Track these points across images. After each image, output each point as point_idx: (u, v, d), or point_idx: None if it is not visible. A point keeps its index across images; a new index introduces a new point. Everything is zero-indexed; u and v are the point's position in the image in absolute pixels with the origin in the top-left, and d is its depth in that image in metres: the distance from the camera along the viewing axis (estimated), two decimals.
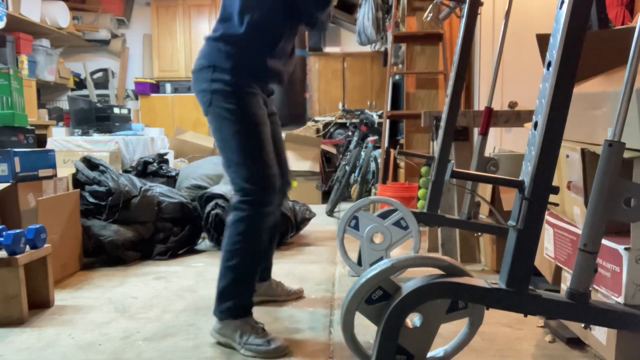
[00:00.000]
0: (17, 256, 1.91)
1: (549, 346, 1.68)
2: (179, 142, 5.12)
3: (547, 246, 1.83)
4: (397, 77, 4.78)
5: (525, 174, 1.18)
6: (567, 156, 1.58)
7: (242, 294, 1.71)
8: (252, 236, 1.68)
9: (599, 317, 1.20)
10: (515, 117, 2.72)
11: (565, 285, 1.71)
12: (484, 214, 2.63)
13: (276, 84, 1.87)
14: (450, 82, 2.35)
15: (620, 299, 1.33)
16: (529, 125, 1.34)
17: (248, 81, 1.70)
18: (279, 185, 1.75)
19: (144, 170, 3.72)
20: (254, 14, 1.68)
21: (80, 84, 6.52)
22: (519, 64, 3.51)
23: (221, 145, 1.73)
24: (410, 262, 1.29)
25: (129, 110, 4.98)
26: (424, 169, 2.83)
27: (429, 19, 2.83)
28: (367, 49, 5.47)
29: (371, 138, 4.64)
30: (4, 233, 1.93)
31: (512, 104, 3.61)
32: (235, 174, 1.69)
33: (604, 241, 1.39)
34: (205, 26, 6.50)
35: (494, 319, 1.90)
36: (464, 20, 2.29)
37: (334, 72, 6.24)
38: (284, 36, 1.76)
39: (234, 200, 1.71)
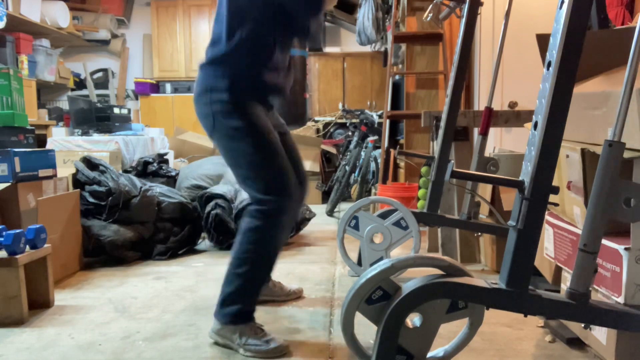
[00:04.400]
0: (17, 256, 1.91)
1: (549, 346, 1.68)
2: (179, 142, 5.12)
3: (547, 246, 1.83)
4: (397, 77, 4.78)
5: (525, 174, 1.18)
6: (567, 156, 1.58)
7: (247, 301, 1.70)
8: (265, 246, 1.67)
9: (599, 317, 1.20)
10: (515, 117, 2.72)
11: (565, 285, 1.71)
12: (484, 214, 2.63)
13: (277, 98, 1.84)
14: (450, 82, 2.36)
15: (620, 299, 1.33)
16: (529, 125, 1.34)
17: (247, 97, 1.68)
18: (296, 193, 1.70)
19: (144, 170, 3.72)
20: (243, 31, 1.66)
21: (80, 84, 6.52)
22: (519, 64, 3.51)
23: (233, 163, 1.70)
24: (410, 262, 1.29)
25: (129, 110, 4.98)
26: (424, 169, 2.83)
27: (429, 19, 2.84)
28: (367, 49, 5.48)
29: (371, 138, 4.64)
30: (4, 233, 1.93)
31: (512, 104, 3.61)
32: (251, 187, 1.67)
33: (604, 241, 1.39)
34: (205, 26, 6.50)
35: (494, 319, 1.90)
36: (464, 20, 2.29)
37: (334, 72, 6.24)
38: (277, 49, 1.74)
39: (250, 208, 1.68)
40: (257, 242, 1.66)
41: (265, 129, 1.68)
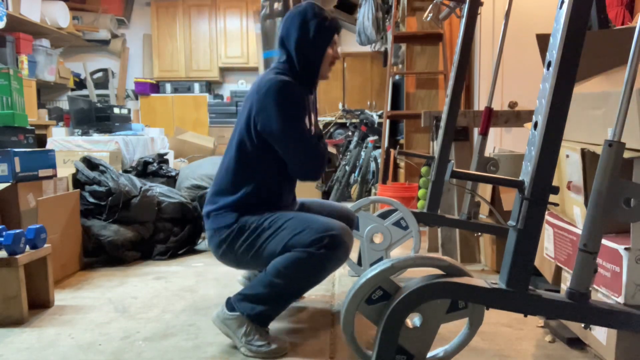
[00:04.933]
0: (17, 256, 1.91)
1: (549, 346, 1.68)
2: (179, 142, 5.12)
3: (547, 246, 1.83)
4: (397, 77, 4.78)
5: (525, 174, 1.18)
6: (567, 156, 1.58)
7: (274, 307, 1.68)
8: (311, 274, 1.63)
9: (599, 317, 1.20)
10: (515, 117, 2.72)
11: (565, 285, 1.71)
12: (484, 214, 2.63)
13: None
14: (450, 82, 2.36)
15: (620, 299, 1.33)
16: (529, 125, 1.34)
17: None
18: (343, 225, 1.66)
19: (144, 170, 3.72)
20: (249, 184, 1.71)
21: (80, 84, 6.52)
22: (519, 64, 3.51)
23: (273, 252, 1.65)
24: (410, 262, 1.29)
25: (129, 110, 4.98)
26: (424, 169, 2.83)
27: (429, 19, 2.84)
28: (367, 49, 5.47)
29: (371, 138, 4.64)
30: (4, 233, 1.93)
31: (512, 104, 3.61)
32: (307, 238, 1.60)
33: (604, 241, 1.39)
34: (205, 26, 6.50)
35: (494, 319, 1.90)
36: (464, 20, 2.29)
37: (334, 72, 6.20)
38: (284, 194, 1.80)
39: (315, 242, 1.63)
40: (305, 266, 1.59)
41: (273, 211, 1.71)
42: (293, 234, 1.61)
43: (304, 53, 1.74)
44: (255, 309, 1.65)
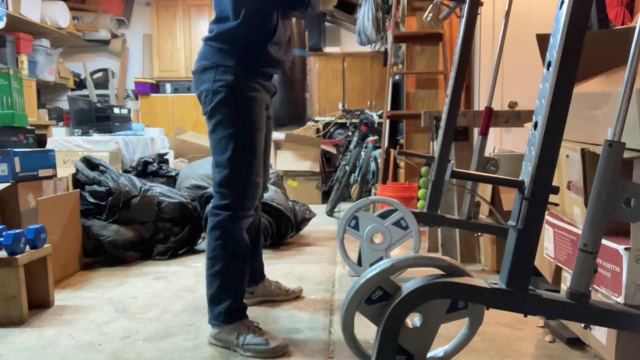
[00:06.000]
0: (17, 256, 1.91)
1: (549, 346, 1.68)
2: (179, 142, 5.12)
3: (547, 246, 1.83)
4: (397, 77, 4.78)
5: (525, 174, 1.18)
6: (567, 156, 1.58)
7: (231, 298, 1.71)
8: (230, 239, 1.69)
9: (599, 317, 1.20)
10: (515, 117, 2.72)
11: (565, 285, 1.71)
12: (484, 214, 2.63)
13: (279, 73, 1.87)
14: (450, 82, 2.35)
15: (620, 299, 1.33)
16: (529, 125, 1.34)
17: (251, 80, 1.70)
18: (259, 194, 1.75)
19: (144, 170, 3.72)
20: (248, 5, 1.68)
21: (80, 84, 6.52)
22: (519, 64, 3.51)
23: (212, 145, 1.73)
24: (410, 262, 1.29)
25: (129, 110, 4.97)
26: (424, 169, 2.83)
27: (429, 19, 2.84)
28: (367, 49, 5.47)
29: (371, 138, 4.63)
30: (4, 233, 1.93)
31: (512, 104, 3.61)
32: (219, 175, 1.70)
33: (604, 241, 1.39)
34: (205, 26, 6.50)
35: (494, 319, 1.90)
36: (464, 20, 2.29)
37: (334, 72, 6.24)
38: (279, 22, 1.76)
39: (211, 206, 1.72)
40: (221, 237, 1.68)
41: (256, 126, 1.70)
42: (224, 163, 1.67)
43: None
44: (222, 312, 1.68)
